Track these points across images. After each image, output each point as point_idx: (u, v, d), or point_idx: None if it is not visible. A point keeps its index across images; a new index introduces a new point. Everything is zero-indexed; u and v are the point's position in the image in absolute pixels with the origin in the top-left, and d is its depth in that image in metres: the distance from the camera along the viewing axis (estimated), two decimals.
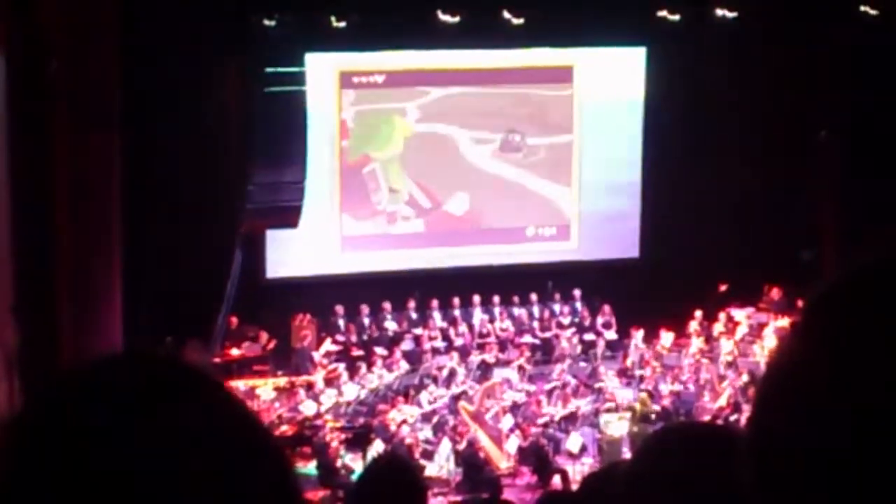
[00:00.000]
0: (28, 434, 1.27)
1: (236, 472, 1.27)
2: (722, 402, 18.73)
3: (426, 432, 17.98)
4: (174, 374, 1.33)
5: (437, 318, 21.34)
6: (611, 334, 21.60)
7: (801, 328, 1.21)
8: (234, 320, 19.95)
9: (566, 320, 21.88)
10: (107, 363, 1.34)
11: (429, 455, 17.23)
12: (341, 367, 19.80)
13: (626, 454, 16.75)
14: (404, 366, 19.78)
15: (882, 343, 1.13)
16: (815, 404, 1.15)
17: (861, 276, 1.20)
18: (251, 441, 1.32)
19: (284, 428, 17.71)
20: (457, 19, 20.39)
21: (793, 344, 1.21)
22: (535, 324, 21.82)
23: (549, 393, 19.17)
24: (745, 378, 18.96)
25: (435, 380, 19.52)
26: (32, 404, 1.32)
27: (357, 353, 20.52)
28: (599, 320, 21.92)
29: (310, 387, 18.98)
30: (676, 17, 21.46)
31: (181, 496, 1.24)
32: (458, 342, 20.92)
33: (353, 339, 20.88)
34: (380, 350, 20.33)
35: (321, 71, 20.81)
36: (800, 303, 1.30)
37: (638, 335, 20.69)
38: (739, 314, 21.40)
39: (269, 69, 18.28)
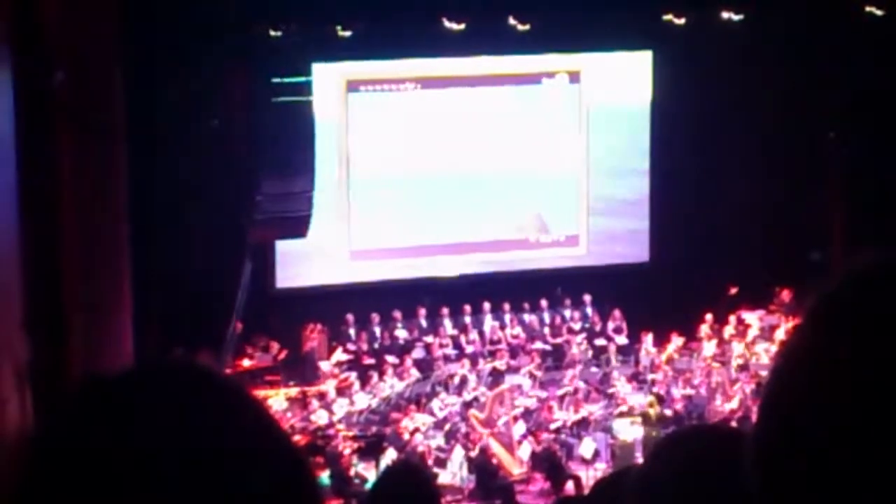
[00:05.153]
0: (53, 448, 1.27)
1: (258, 476, 1.27)
2: (733, 405, 18.71)
3: (438, 440, 17.97)
4: (196, 380, 1.33)
5: (447, 326, 21.33)
6: (622, 339, 21.58)
7: (805, 329, 1.20)
8: (245, 330, 19.94)
9: (577, 326, 21.86)
10: (131, 372, 1.34)
11: (441, 463, 17.23)
12: (353, 376, 19.81)
13: (639, 458, 16.71)
14: (415, 374, 19.78)
15: (887, 343, 1.12)
16: (819, 405, 1.14)
17: (864, 277, 1.19)
18: (273, 445, 1.32)
19: (297, 438, 17.68)
20: (462, 26, 20.41)
21: (797, 345, 1.20)
22: (546, 330, 21.80)
23: (561, 399, 19.16)
24: (757, 381, 18.93)
25: (446, 387, 19.53)
26: (55, 418, 1.32)
27: (368, 361, 20.52)
28: (610, 325, 21.90)
29: (321, 396, 18.99)
30: (682, 21, 21.47)
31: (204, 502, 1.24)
32: (469, 349, 20.92)
33: (364, 347, 20.87)
34: (391, 358, 20.33)
35: (328, 80, 20.83)
36: None
37: (648, 339, 20.68)
38: (750, 317, 21.37)
39: (275, 79, 18.28)
